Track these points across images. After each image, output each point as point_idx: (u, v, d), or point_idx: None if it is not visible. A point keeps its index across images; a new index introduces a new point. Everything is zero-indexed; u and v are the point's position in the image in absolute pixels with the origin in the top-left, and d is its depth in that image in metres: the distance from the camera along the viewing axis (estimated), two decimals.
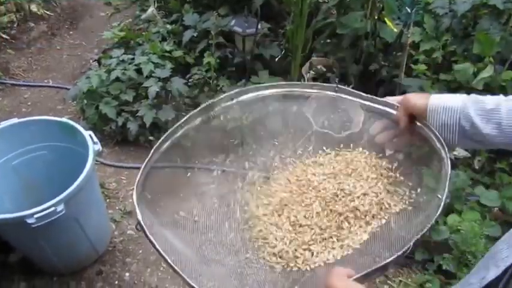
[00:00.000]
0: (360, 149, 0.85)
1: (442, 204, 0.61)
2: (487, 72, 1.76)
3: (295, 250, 0.74)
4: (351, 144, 0.85)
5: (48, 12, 3.24)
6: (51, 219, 1.22)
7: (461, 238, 1.51)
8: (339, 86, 0.83)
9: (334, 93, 0.84)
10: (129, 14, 3.06)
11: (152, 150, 0.72)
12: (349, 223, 0.75)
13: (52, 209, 1.21)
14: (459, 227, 1.53)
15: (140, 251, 1.73)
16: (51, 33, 3.14)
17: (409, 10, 1.81)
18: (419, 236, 0.59)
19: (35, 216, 1.19)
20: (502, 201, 1.64)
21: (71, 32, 3.21)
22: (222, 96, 0.79)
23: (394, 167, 0.80)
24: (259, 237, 0.78)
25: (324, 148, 0.86)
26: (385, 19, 2.09)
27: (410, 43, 1.97)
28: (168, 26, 2.51)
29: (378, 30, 2.15)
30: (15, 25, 3.05)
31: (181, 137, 0.78)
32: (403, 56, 1.93)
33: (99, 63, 2.49)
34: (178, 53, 2.32)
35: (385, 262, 0.58)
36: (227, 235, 0.78)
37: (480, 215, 1.61)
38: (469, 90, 1.86)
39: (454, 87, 1.90)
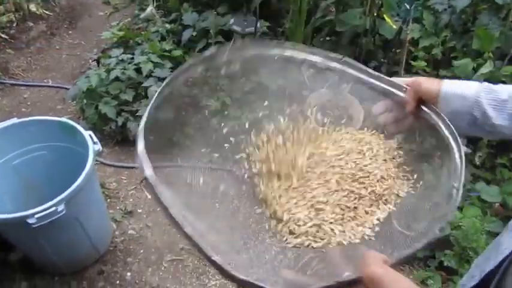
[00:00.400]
0: (366, 128, 0.81)
1: (460, 192, 0.59)
2: (487, 68, 1.76)
3: (314, 228, 0.69)
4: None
5: (47, 12, 3.24)
6: (52, 219, 1.22)
7: (462, 234, 1.51)
8: (345, 58, 0.80)
9: (338, 64, 0.80)
10: (128, 13, 3.06)
11: (156, 95, 0.67)
12: (366, 205, 0.71)
13: (53, 209, 1.21)
14: (460, 223, 1.53)
15: (141, 251, 1.74)
16: (50, 33, 3.14)
17: (408, 6, 1.81)
18: (443, 223, 0.56)
19: (36, 216, 1.19)
20: (503, 197, 1.64)
21: (70, 32, 3.21)
22: (228, 45, 0.75)
23: (402, 151, 0.77)
24: (276, 214, 0.73)
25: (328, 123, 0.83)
26: (384, 16, 2.09)
27: (410, 40, 1.97)
28: (167, 25, 2.51)
29: (377, 27, 2.15)
30: (14, 25, 3.05)
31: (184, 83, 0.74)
32: (402, 52, 1.93)
33: (99, 63, 2.49)
34: (177, 52, 2.31)
35: (419, 247, 0.53)
36: (238, 211, 0.73)
37: (481, 211, 1.61)
38: None
39: None
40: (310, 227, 0.69)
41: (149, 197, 1.96)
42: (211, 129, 0.78)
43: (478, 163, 1.87)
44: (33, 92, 2.62)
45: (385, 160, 0.76)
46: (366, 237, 0.67)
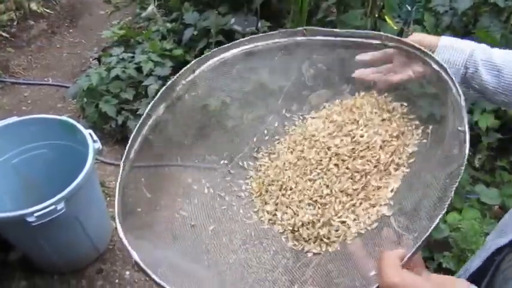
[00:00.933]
0: (357, 93, 0.76)
1: (468, 136, 0.53)
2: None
3: (325, 229, 0.64)
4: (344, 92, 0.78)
5: (47, 10, 3.23)
6: (52, 217, 1.22)
7: (461, 236, 1.50)
8: (307, 28, 0.77)
9: (303, 38, 0.76)
10: (128, 12, 3.06)
11: (122, 162, 0.66)
12: (375, 179, 0.65)
13: (52, 207, 1.21)
14: (459, 225, 1.53)
15: None
16: (51, 32, 3.14)
17: (409, 8, 1.81)
18: (456, 181, 0.51)
19: (35, 214, 1.19)
20: (502, 199, 1.64)
21: (70, 30, 3.21)
22: (181, 72, 0.72)
23: (400, 105, 0.73)
24: (274, 222, 0.70)
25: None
26: (386, 17, 2.08)
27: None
28: (168, 25, 2.51)
29: (378, 28, 2.15)
30: (14, 23, 3.05)
31: (151, 130, 0.73)
32: None
33: (99, 62, 2.49)
34: (178, 52, 2.31)
35: (435, 223, 0.49)
36: (230, 233, 0.70)
37: (480, 213, 1.61)
38: None
39: None
40: (320, 227, 0.65)
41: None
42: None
43: (477, 165, 1.87)
44: (34, 91, 2.62)
45: (383, 119, 0.71)
46: (385, 217, 0.61)
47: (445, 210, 0.49)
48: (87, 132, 1.41)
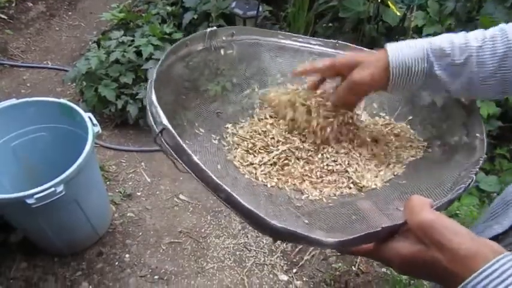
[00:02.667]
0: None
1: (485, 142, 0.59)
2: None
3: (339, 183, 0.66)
4: None
5: None
6: (51, 200, 1.22)
7: (459, 222, 1.51)
8: (339, 42, 0.80)
9: (333, 50, 0.79)
10: None
11: (161, 58, 0.63)
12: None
13: (52, 189, 1.21)
14: (457, 212, 1.55)
15: (140, 233, 1.75)
16: (49, 14, 3.10)
17: None
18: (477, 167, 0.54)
19: (35, 196, 1.19)
20: (501, 187, 1.65)
21: (69, 13, 3.17)
22: (223, 28, 0.76)
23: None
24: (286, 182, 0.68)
25: None
26: (388, 2, 2.05)
27: (413, 27, 1.94)
28: (168, 8, 2.48)
29: (380, 13, 2.12)
30: (13, 5, 3.01)
31: (185, 56, 0.71)
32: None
33: (98, 45, 2.47)
34: (178, 35, 2.29)
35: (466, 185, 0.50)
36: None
37: (479, 200, 1.62)
38: None
39: None
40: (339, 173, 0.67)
41: (148, 180, 1.97)
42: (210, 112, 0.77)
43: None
44: (33, 74, 2.60)
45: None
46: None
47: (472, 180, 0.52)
48: (86, 116, 1.40)
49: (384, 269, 1.63)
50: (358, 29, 2.18)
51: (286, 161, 0.68)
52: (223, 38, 0.75)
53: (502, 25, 0.58)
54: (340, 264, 1.65)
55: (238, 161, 0.69)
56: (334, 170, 0.68)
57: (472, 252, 0.38)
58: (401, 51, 0.60)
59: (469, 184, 0.53)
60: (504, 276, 0.35)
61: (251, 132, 0.73)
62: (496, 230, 0.55)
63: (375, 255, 0.47)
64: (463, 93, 0.63)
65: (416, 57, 0.59)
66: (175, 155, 0.48)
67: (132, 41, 2.24)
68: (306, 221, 0.56)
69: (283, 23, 2.40)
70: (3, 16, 2.91)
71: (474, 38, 0.58)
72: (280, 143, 0.70)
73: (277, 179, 0.66)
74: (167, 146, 0.49)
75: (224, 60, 0.77)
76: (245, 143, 0.72)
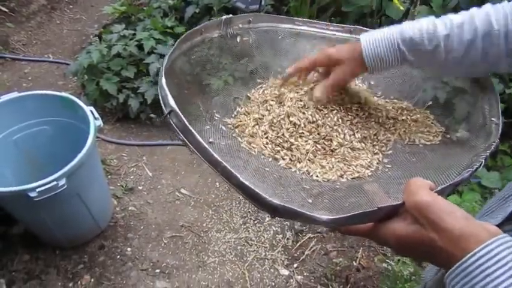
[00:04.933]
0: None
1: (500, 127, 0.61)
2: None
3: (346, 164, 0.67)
4: None
5: None
6: (53, 193, 1.23)
7: None
8: (356, 27, 0.80)
9: (349, 35, 0.80)
10: None
11: (175, 45, 0.65)
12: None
13: (54, 183, 1.21)
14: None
15: (142, 227, 1.75)
16: (50, 7, 3.09)
17: None
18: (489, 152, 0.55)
19: (37, 190, 1.19)
20: (502, 183, 1.65)
21: (70, 6, 3.16)
22: (239, 15, 0.76)
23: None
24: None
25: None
26: None
27: None
28: (170, 1, 2.46)
29: (383, 8, 2.11)
30: None
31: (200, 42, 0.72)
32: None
33: (100, 39, 2.46)
34: (180, 29, 2.28)
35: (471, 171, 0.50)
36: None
37: (481, 196, 1.61)
38: None
39: None
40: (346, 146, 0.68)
41: (150, 174, 1.98)
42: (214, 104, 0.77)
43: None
44: (34, 67, 2.60)
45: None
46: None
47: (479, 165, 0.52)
48: (88, 109, 1.40)
49: (384, 265, 1.63)
50: (360, 23, 2.17)
51: (293, 135, 0.68)
52: (240, 26, 0.76)
53: (474, 9, 0.60)
54: (340, 259, 1.65)
55: (247, 140, 0.69)
56: (342, 151, 0.68)
57: (467, 232, 0.38)
58: (375, 44, 0.63)
59: (476, 168, 0.53)
60: (499, 256, 0.35)
61: (259, 103, 0.74)
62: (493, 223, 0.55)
63: (372, 235, 0.48)
64: (439, 74, 0.69)
65: (388, 49, 0.63)
66: (181, 135, 0.51)
67: (134, 34, 2.23)
68: (310, 201, 0.57)
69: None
70: (4, 9, 2.90)
71: (443, 25, 0.61)
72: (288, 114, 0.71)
73: (287, 156, 0.67)
74: (175, 126, 0.52)
75: (241, 47, 0.77)
76: (254, 115, 0.72)
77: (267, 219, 1.81)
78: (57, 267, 1.58)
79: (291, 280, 1.60)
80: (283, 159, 0.66)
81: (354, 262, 1.63)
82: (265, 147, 0.68)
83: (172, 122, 0.52)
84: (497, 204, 0.58)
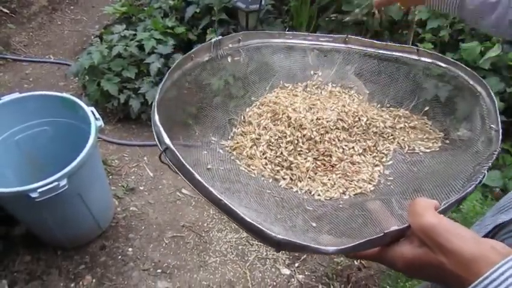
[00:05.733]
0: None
1: (500, 134, 0.61)
2: (494, 52, 1.73)
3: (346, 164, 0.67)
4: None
5: None
6: (54, 193, 1.23)
7: (462, 217, 1.51)
8: (349, 36, 0.80)
9: (343, 45, 0.80)
10: None
11: (166, 75, 0.64)
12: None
13: (55, 183, 1.22)
14: (460, 206, 1.54)
15: (143, 227, 1.76)
16: (51, 8, 3.10)
17: None
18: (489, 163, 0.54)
19: (39, 190, 1.20)
20: (504, 182, 1.64)
21: (71, 7, 3.16)
22: (229, 35, 0.75)
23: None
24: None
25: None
26: None
27: (417, 21, 1.93)
28: (170, 2, 2.46)
29: (384, 7, 2.10)
30: None
31: (191, 69, 0.71)
32: (409, 34, 1.89)
33: (101, 39, 2.46)
34: (180, 30, 2.28)
35: (471, 190, 0.50)
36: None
37: (482, 195, 1.61)
38: (475, 70, 1.83)
39: None
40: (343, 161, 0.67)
41: (151, 174, 1.98)
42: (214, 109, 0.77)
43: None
44: (35, 68, 2.60)
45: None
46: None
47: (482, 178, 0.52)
48: (89, 110, 1.40)
49: None
50: (361, 22, 2.17)
51: (292, 153, 0.68)
52: (230, 46, 0.75)
53: None
54: (342, 258, 1.65)
55: (246, 162, 0.68)
56: (343, 166, 0.67)
57: (477, 255, 0.37)
58: None
59: (480, 181, 0.53)
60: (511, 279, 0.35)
61: (255, 123, 0.73)
62: (502, 219, 0.55)
63: (380, 259, 0.47)
64: (491, 31, 0.65)
65: None
66: (179, 173, 0.50)
67: (134, 35, 2.23)
68: (314, 225, 0.56)
69: (286, 16, 2.38)
70: (5, 10, 2.91)
71: None
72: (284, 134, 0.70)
73: (287, 176, 0.66)
74: (171, 164, 0.51)
75: (232, 67, 0.76)
76: (251, 135, 0.71)
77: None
78: (58, 268, 1.59)
79: (292, 279, 1.60)
80: (284, 179, 0.66)
81: (355, 261, 1.63)
82: (265, 168, 0.67)
83: (168, 160, 0.51)
84: (510, 202, 0.58)
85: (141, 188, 1.92)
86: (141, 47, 2.17)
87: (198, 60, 0.71)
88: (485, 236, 0.59)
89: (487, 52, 1.76)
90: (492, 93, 0.65)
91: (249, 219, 0.44)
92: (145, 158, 2.06)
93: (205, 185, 0.47)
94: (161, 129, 0.52)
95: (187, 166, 0.49)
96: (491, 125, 0.63)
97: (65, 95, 1.49)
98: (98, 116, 1.40)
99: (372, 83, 0.79)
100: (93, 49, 2.19)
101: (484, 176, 0.53)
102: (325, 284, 1.58)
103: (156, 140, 0.53)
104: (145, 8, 2.50)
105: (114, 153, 2.08)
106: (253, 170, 0.67)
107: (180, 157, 0.49)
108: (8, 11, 2.92)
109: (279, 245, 0.43)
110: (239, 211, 0.44)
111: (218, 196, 0.46)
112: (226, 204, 0.45)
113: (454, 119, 0.72)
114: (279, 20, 2.34)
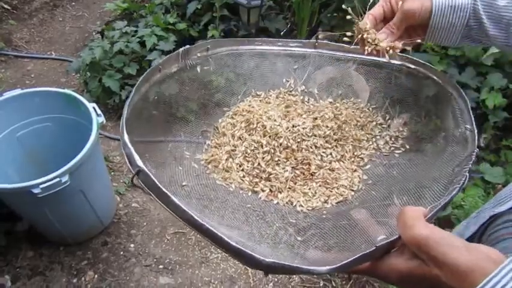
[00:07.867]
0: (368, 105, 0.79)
1: (476, 134, 0.59)
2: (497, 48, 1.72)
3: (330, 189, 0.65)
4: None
5: None
6: (57, 189, 1.23)
7: (464, 213, 1.51)
8: (319, 40, 0.79)
9: (313, 50, 0.79)
10: None
11: (133, 90, 0.62)
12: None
13: (57, 179, 1.22)
14: (462, 203, 1.54)
15: (145, 223, 1.76)
16: (53, 4, 3.09)
17: None
18: (469, 164, 0.53)
19: (41, 186, 1.20)
20: (506, 178, 1.64)
21: (73, 3, 3.16)
22: (197, 44, 0.73)
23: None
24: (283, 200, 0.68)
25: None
26: None
27: None
28: None
29: None
30: None
31: (160, 81, 0.70)
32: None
33: (102, 36, 2.46)
34: (182, 26, 2.28)
35: (455, 193, 0.49)
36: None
37: (484, 192, 1.61)
38: (477, 66, 1.82)
39: (463, 63, 1.86)
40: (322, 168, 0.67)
41: (153, 170, 1.98)
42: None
43: (482, 145, 1.86)
44: (37, 64, 2.60)
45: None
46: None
47: (463, 182, 0.50)
48: (91, 106, 1.40)
49: None
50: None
51: (270, 163, 0.67)
52: (198, 55, 0.74)
53: None
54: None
55: (223, 176, 0.67)
56: (322, 173, 0.66)
57: (471, 265, 0.37)
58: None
59: (463, 183, 0.52)
60: (508, 286, 0.34)
61: (230, 133, 0.73)
62: (498, 209, 0.55)
63: (373, 273, 0.46)
64: (502, 41, 0.63)
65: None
66: (154, 196, 0.47)
67: (136, 31, 2.23)
68: (300, 239, 0.54)
69: (288, 12, 2.38)
70: (6, 6, 2.90)
71: None
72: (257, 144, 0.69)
73: (266, 187, 0.65)
74: (145, 187, 0.48)
75: (202, 76, 0.75)
76: (226, 147, 0.70)
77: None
78: (61, 264, 1.59)
79: (294, 275, 1.60)
80: (263, 191, 0.64)
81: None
82: (243, 180, 0.66)
83: (141, 183, 0.48)
84: (509, 196, 0.58)
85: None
86: (142, 44, 2.17)
87: (166, 72, 0.70)
88: (481, 226, 0.59)
89: (490, 48, 1.75)
90: (464, 94, 0.64)
91: (235, 244, 0.41)
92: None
93: (185, 208, 0.44)
94: (132, 151, 0.49)
95: (163, 189, 0.45)
96: (466, 125, 0.62)
97: (66, 91, 1.49)
98: (99, 112, 1.40)
99: (345, 86, 0.79)
100: (94, 45, 2.19)
101: (466, 178, 0.53)
102: (326, 280, 1.59)
103: (127, 162, 0.50)
104: (146, 5, 2.50)
105: (116, 149, 2.08)
106: (230, 183, 0.65)
107: (155, 180, 0.46)
108: (9, 7, 2.91)
109: (268, 268, 0.41)
110: (224, 236, 0.41)
111: (200, 221, 0.43)
112: (208, 229, 0.42)
113: (427, 119, 0.71)
114: (281, 16, 2.34)
